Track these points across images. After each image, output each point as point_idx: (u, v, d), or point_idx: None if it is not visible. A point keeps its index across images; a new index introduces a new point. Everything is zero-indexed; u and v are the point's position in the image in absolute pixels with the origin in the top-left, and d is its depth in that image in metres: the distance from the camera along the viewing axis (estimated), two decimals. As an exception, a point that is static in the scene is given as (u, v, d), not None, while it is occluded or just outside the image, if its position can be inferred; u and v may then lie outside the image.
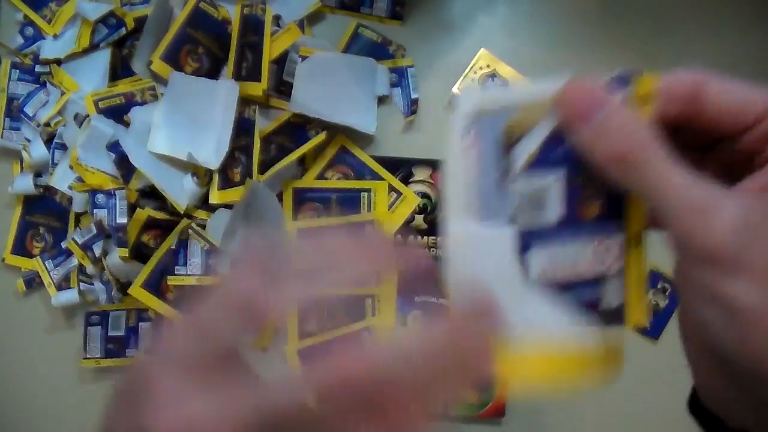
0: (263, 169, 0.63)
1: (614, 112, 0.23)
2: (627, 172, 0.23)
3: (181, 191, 0.61)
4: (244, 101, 0.63)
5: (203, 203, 0.63)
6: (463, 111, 0.23)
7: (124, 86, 0.64)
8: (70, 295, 0.63)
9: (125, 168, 0.61)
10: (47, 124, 0.64)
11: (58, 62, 0.66)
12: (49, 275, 0.64)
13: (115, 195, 0.60)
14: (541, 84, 0.23)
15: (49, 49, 0.66)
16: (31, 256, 0.65)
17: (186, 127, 0.62)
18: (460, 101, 0.23)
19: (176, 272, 0.61)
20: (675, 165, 0.23)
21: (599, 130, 0.23)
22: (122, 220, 0.60)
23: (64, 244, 0.64)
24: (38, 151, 0.64)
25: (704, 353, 0.24)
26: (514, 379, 0.23)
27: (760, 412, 0.23)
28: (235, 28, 0.64)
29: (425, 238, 0.66)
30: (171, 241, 0.62)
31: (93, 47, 0.65)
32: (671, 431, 0.65)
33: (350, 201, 0.66)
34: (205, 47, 0.64)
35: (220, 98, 0.62)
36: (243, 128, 0.62)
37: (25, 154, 0.64)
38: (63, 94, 0.65)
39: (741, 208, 0.21)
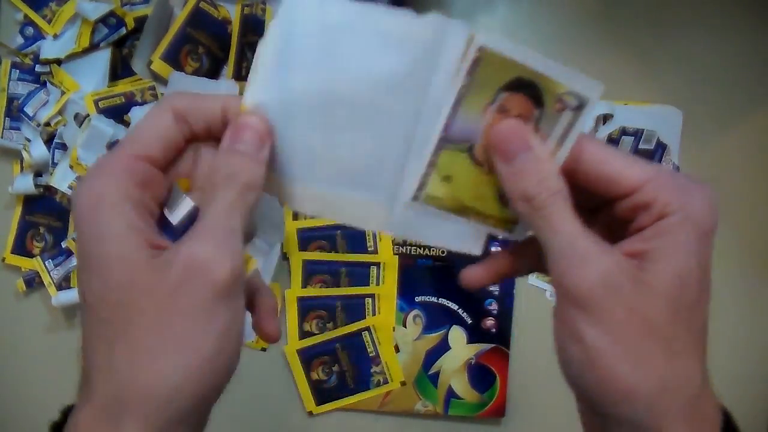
0: (263, 169, 0.63)
1: (535, 157, 0.26)
2: (530, 211, 0.26)
3: (181, 191, 0.61)
4: (244, 101, 0.63)
5: (203, 203, 0.63)
6: (476, 42, 0.26)
7: (124, 86, 0.64)
8: (70, 295, 0.63)
9: (125, 168, 0.61)
10: (47, 124, 0.65)
11: (58, 62, 0.66)
12: (49, 275, 0.64)
13: (115, 195, 0.60)
14: (549, 66, 0.28)
15: (49, 49, 0.66)
16: (31, 255, 0.65)
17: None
18: (479, 33, 0.27)
19: (176, 272, 0.61)
20: (572, 215, 0.26)
21: (518, 169, 0.26)
22: (122, 220, 0.60)
23: (64, 244, 0.64)
24: (38, 151, 0.64)
25: (572, 386, 0.27)
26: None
27: None
28: (235, 28, 0.64)
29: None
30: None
31: (93, 47, 0.65)
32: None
33: (350, 201, 0.66)
34: (205, 47, 0.64)
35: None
36: (243, 128, 0.62)
37: (25, 154, 0.64)
38: (63, 94, 0.65)
39: (611, 265, 0.24)
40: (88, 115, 0.63)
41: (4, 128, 0.66)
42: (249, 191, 0.26)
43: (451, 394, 0.63)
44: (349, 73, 0.27)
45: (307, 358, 0.64)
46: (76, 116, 0.63)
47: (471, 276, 0.31)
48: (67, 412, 0.27)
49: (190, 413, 0.24)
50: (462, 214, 0.29)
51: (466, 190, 0.28)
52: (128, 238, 0.24)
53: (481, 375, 0.64)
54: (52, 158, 0.64)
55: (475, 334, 0.64)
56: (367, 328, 0.64)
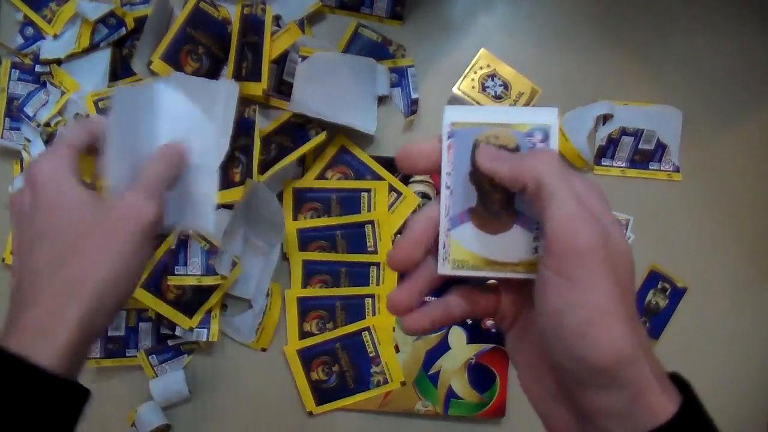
0: (263, 169, 0.63)
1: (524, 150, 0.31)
2: (539, 182, 0.27)
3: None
4: (244, 101, 0.63)
5: (203, 203, 0.63)
6: (445, 122, 0.31)
7: (124, 86, 0.64)
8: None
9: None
10: (47, 124, 0.65)
11: (58, 62, 0.66)
12: (49, 275, 0.64)
13: (115, 195, 0.60)
14: (510, 112, 0.31)
15: (49, 49, 0.66)
16: (31, 256, 0.65)
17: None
18: (445, 113, 0.31)
19: (176, 272, 0.61)
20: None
21: (517, 158, 0.29)
22: (122, 220, 0.60)
23: (64, 244, 0.64)
24: (38, 150, 0.64)
25: (558, 362, 0.28)
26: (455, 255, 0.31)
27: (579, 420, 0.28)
28: (235, 28, 0.64)
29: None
30: (171, 241, 0.62)
31: (93, 47, 0.65)
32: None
33: (350, 201, 0.66)
34: (205, 47, 0.64)
35: (220, 98, 0.61)
36: (243, 128, 0.62)
37: (25, 154, 0.64)
38: (63, 94, 0.65)
39: (606, 229, 0.27)
40: (87, 116, 0.62)
41: (4, 128, 0.66)
42: (172, 169, 0.40)
43: (451, 394, 0.63)
44: None
45: (307, 358, 0.64)
46: (75, 116, 0.63)
47: (414, 327, 0.32)
48: None
49: (112, 309, 0.36)
50: (491, 268, 0.31)
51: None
52: (78, 191, 0.36)
53: (481, 375, 0.64)
54: (52, 158, 0.64)
55: (475, 334, 0.64)
56: (367, 328, 0.64)
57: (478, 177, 0.31)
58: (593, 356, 0.26)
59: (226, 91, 0.63)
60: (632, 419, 0.26)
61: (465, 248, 0.31)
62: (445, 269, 0.31)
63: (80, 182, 0.37)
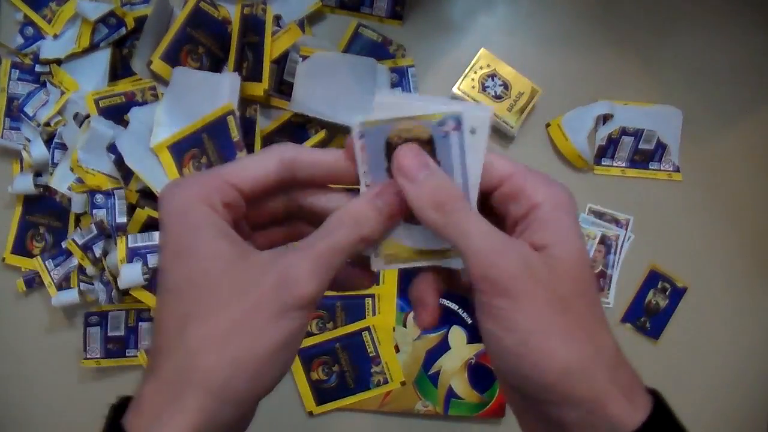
0: (263, 168, 0.63)
1: (436, 172, 0.29)
2: (444, 219, 0.28)
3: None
4: (245, 101, 0.63)
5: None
6: (354, 123, 0.30)
7: (124, 85, 0.64)
8: (70, 295, 0.62)
9: (125, 169, 0.61)
10: (47, 124, 0.64)
11: (58, 62, 0.66)
12: (49, 275, 0.64)
13: (114, 195, 0.60)
14: (419, 105, 0.30)
15: (49, 49, 0.66)
16: (31, 255, 0.65)
17: (189, 122, 0.62)
18: (356, 117, 0.30)
19: (176, 272, 0.61)
20: (479, 215, 0.28)
21: (424, 185, 0.29)
22: (122, 219, 0.60)
23: (64, 244, 0.64)
24: (38, 150, 0.64)
25: (510, 383, 0.28)
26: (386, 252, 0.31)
27: None
28: (235, 28, 0.64)
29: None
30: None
31: (93, 47, 0.65)
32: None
33: (350, 201, 0.66)
34: (206, 47, 0.64)
35: (223, 92, 0.61)
36: (244, 128, 0.62)
37: (25, 154, 0.64)
38: (63, 93, 0.65)
39: (525, 251, 0.27)
40: (87, 115, 0.62)
41: (4, 128, 0.66)
42: (361, 243, 0.29)
43: (451, 394, 0.63)
44: None
45: (307, 358, 0.64)
46: (75, 116, 0.63)
47: (428, 321, 0.32)
48: (123, 401, 0.29)
49: (241, 401, 0.27)
50: (423, 257, 0.31)
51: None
52: (220, 236, 0.28)
53: (481, 375, 0.64)
54: (52, 158, 0.64)
55: (475, 334, 0.64)
56: (367, 328, 0.64)
57: (394, 172, 0.30)
58: (536, 375, 0.26)
59: (229, 84, 0.63)
60: (595, 430, 0.26)
61: (395, 241, 0.31)
62: (378, 264, 0.31)
63: (225, 222, 0.28)
